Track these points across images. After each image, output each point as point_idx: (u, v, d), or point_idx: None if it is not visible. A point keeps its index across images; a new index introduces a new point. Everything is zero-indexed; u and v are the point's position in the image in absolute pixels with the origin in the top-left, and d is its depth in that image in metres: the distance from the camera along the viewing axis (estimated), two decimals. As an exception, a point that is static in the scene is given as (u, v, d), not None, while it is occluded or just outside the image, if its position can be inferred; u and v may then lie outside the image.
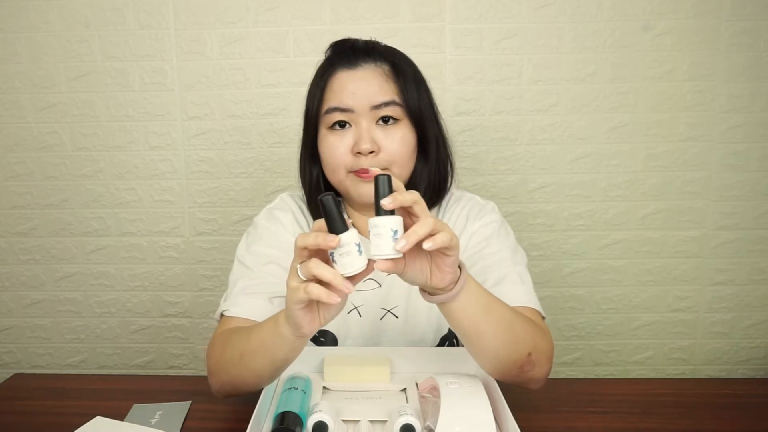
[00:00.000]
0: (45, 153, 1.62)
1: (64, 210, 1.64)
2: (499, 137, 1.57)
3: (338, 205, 0.60)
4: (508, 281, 0.87)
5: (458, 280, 0.67)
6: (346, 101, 0.86)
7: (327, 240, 0.60)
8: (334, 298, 0.60)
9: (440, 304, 0.70)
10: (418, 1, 1.52)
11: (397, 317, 0.95)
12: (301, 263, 0.63)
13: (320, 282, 0.61)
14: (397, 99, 0.86)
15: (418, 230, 0.60)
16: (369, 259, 0.62)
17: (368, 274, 0.63)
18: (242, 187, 1.61)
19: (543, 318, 0.89)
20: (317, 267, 0.60)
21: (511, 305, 0.79)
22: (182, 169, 1.61)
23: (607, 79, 1.54)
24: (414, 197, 0.62)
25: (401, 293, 0.95)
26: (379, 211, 0.61)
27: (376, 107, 0.85)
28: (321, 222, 0.62)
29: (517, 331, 0.75)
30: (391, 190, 0.61)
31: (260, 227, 0.97)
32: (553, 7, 1.52)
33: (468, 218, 0.97)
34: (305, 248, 0.62)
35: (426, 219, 0.61)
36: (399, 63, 0.89)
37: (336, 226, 0.60)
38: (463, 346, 0.96)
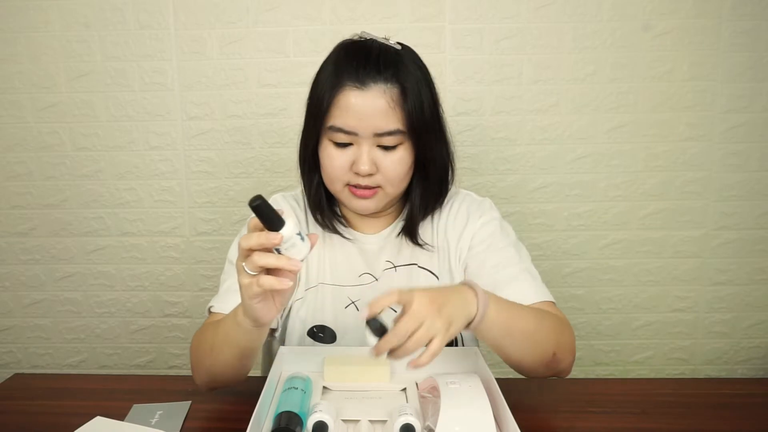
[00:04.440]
0: (45, 153, 1.62)
1: (64, 210, 1.64)
2: (499, 137, 1.57)
3: (268, 205, 0.62)
4: (519, 280, 0.90)
5: (474, 317, 0.71)
6: (350, 124, 0.85)
7: (270, 239, 0.62)
8: (285, 283, 0.64)
9: None
10: (418, 1, 1.52)
11: (395, 311, 0.95)
12: (245, 260, 0.65)
13: (268, 271, 0.65)
14: (401, 127, 0.86)
15: (409, 348, 0.66)
16: (310, 234, 0.67)
17: (312, 248, 0.67)
18: (242, 187, 1.61)
19: (554, 304, 0.92)
20: (261, 258, 0.64)
21: (525, 303, 0.85)
22: (182, 169, 1.61)
23: (607, 79, 1.54)
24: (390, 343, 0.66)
25: (400, 287, 0.95)
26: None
27: (379, 135, 0.85)
28: (255, 220, 0.64)
29: (539, 339, 0.80)
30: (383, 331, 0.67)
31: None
32: (553, 7, 1.52)
33: (469, 216, 0.98)
34: (250, 249, 0.64)
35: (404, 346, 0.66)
36: (408, 85, 0.86)
37: (274, 225, 0.62)
38: (463, 345, 0.96)
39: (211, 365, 0.83)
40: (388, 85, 0.86)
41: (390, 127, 0.85)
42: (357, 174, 0.87)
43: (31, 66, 1.58)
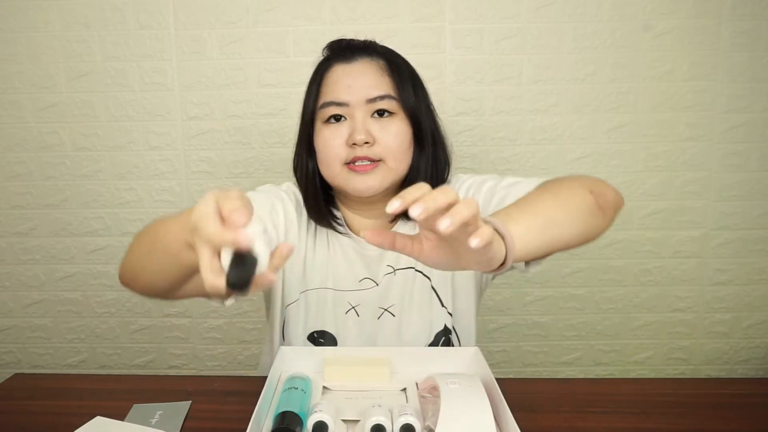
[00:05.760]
0: (45, 153, 1.62)
1: (64, 210, 1.64)
2: (499, 137, 1.57)
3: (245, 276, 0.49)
4: (514, 189, 0.89)
5: (506, 259, 0.59)
6: (341, 95, 0.86)
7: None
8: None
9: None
10: (418, 1, 1.52)
11: (393, 315, 0.95)
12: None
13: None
14: (392, 93, 0.87)
15: (438, 198, 0.49)
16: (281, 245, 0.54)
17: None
18: (242, 187, 1.60)
19: None
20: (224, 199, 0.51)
21: None
22: (182, 169, 1.61)
23: (607, 79, 1.54)
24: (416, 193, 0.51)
25: (398, 292, 0.95)
26: None
27: (372, 100, 0.86)
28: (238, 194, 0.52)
29: (567, 194, 0.75)
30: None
31: (261, 189, 1.02)
32: (553, 7, 1.52)
33: (460, 189, 0.97)
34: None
35: (447, 191, 0.50)
36: (394, 60, 0.90)
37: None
38: (460, 345, 0.96)
39: (140, 267, 0.72)
40: (374, 57, 0.89)
41: (381, 91, 0.86)
42: (355, 146, 0.85)
43: (31, 66, 1.58)
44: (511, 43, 1.53)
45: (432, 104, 0.95)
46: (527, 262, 0.85)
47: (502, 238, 0.59)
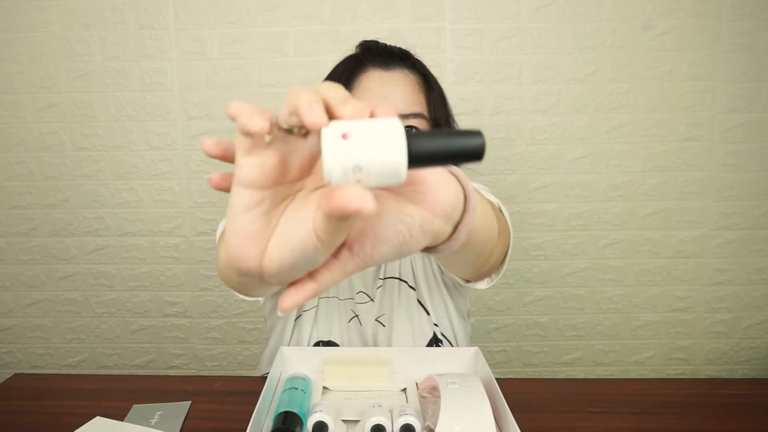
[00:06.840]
0: (45, 153, 1.62)
1: (64, 210, 1.64)
2: (499, 137, 1.57)
3: None
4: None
5: (462, 219, 0.42)
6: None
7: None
8: None
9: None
10: (418, 1, 1.52)
11: (384, 326, 0.95)
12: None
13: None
14: (425, 113, 0.85)
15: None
16: None
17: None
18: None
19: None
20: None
21: None
22: (182, 169, 1.61)
23: (607, 79, 1.54)
24: None
25: (386, 304, 0.96)
26: None
27: (405, 116, 0.84)
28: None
29: (491, 213, 0.59)
30: None
31: None
32: (553, 7, 1.52)
33: None
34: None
35: None
36: (429, 77, 0.89)
37: None
38: (452, 345, 0.96)
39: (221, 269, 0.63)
40: (412, 71, 0.87)
41: (415, 109, 0.84)
42: None
43: (31, 66, 1.58)
44: (511, 43, 1.53)
45: (456, 122, 0.94)
46: (467, 280, 0.82)
47: (465, 195, 0.43)
